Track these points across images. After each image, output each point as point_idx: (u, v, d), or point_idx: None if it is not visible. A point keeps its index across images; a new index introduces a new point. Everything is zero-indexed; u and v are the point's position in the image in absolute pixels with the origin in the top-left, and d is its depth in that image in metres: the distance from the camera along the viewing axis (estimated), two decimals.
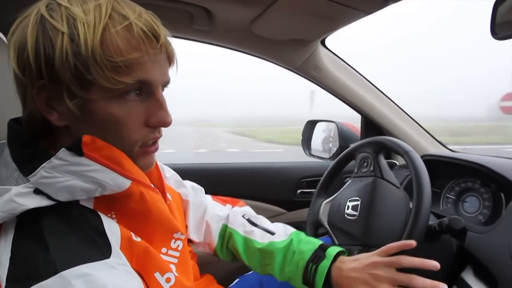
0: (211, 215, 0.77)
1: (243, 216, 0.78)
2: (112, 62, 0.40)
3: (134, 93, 0.43)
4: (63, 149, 0.40)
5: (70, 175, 0.41)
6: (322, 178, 0.94)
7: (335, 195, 0.87)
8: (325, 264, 0.63)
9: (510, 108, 9.49)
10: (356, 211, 0.76)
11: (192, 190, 0.76)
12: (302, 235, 0.73)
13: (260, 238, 0.74)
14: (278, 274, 0.70)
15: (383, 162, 0.81)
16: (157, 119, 0.46)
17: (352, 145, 0.91)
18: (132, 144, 0.45)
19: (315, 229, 0.89)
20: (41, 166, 0.40)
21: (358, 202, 0.77)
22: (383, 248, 0.61)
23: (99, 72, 0.39)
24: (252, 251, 0.73)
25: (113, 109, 0.42)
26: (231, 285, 0.91)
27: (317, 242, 0.69)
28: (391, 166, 0.83)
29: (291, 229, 0.76)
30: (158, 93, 0.46)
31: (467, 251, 0.71)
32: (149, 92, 0.45)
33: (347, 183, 0.87)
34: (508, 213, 0.71)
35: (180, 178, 0.76)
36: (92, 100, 0.41)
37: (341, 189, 0.87)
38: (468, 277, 0.69)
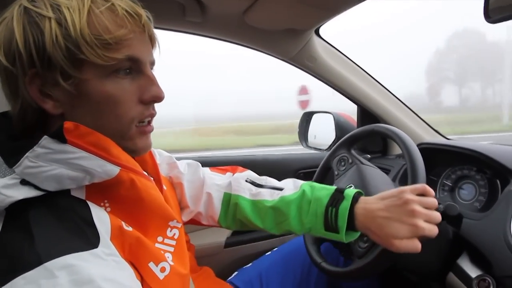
0: (209, 185, 0.74)
1: (246, 181, 0.74)
2: (101, 40, 0.41)
3: (124, 72, 0.45)
4: (45, 136, 0.40)
5: (56, 164, 0.40)
6: None
7: None
8: (345, 205, 0.60)
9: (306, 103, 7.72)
10: None
11: (187, 168, 0.74)
12: (314, 183, 0.70)
13: (269, 197, 0.70)
14: (296, 227, 0.67)
15: (356, 154, 0.90)
16: (150, 94, 0.47)
17: (323, 160, 0.95)
18: (129, 122, 0.46)
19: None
20: (24, 156, 0.40)
21: (352, 187, 0.78)
22: (418, 186, 0.58)
23: (90, 51, 0.41)
24: (264, 211, 0.69)
25: (107, 87, 0.43)
26: (229, 278, 0.91)
27: (332, 187, 0.66)
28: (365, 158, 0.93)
29: (300, 182, 0.72)
30: (148, 70, 0.48)
31: (463, 238, 0.71)
32: (138, 70, 0.46)
33: (334, 185, 0.88)
34: (503, 199, 0.71)
35: (174, 160, 0.74)
36: (86, 80, 0.42)
37: None
38: (464, 263, 0.69)
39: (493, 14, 0.48)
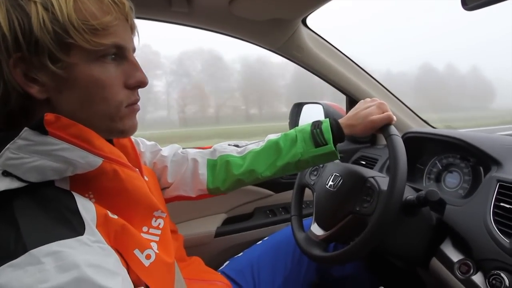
0: (194, 153, 0.78)
1: (229, 145, 0.80)
2: (89, 25, 0.42)
3: (110, 57, 0.46)
4: (26, 128, 0.40)
5: (38, 155, 0.40)
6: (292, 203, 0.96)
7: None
8: (325, 123, 0.72)
9: None
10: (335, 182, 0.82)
11: (169, 150, 0.79)
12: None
13: (255, 146, 0.77)
14: (291, 158, 0.73)
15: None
16: (135, 79, 0.49)
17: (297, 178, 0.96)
18: (118, 105, 0.47)
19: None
20: (5, 148, 0.39)
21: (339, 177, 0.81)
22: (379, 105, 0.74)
23: (78, 35, 0.41)
24: (255, 156, 0.75)
25: (94, 71, 0.44)
26: (221, 268, 0.91)
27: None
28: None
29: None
30: (131, 56, 0.49)
31: (446, 224, 0.73)
32: (123, 56, 0.48)
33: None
34: (484, 185, 0.72)
35: (158, 147, 0.78)
36: (74, 64, 0.43)
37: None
38: (447, 248, 0.71)
39: (470, 1, 0.49)
